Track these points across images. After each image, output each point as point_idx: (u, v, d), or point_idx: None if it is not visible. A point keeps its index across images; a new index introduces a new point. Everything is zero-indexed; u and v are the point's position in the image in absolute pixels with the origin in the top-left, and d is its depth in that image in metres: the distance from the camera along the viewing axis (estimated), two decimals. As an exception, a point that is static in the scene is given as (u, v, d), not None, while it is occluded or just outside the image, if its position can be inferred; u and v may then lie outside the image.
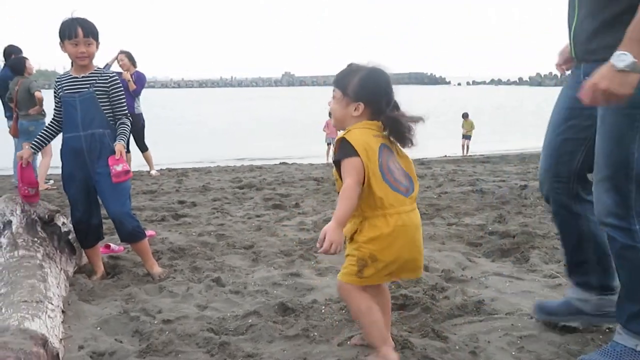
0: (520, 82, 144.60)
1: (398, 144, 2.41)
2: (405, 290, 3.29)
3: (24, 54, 8.26)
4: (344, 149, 2.28)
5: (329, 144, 16.07)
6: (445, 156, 15.29)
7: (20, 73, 7.79)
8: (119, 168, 3.47)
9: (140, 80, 8.64)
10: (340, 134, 2.35)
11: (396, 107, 2.39)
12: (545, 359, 2.48)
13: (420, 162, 12.11)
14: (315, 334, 2.77)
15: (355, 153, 2.25)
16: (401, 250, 2.32)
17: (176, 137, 20.77)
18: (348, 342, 2.68)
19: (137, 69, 8.70)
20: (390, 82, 2.40)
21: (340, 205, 2.22)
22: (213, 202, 6.59)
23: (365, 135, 2.31)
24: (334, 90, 2.42)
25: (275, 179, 8.60)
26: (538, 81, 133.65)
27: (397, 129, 2.34)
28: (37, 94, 7.55)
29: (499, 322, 2.84)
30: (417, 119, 2.37)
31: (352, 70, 2.39)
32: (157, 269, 3.82)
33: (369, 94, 2.35)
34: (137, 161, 9.51)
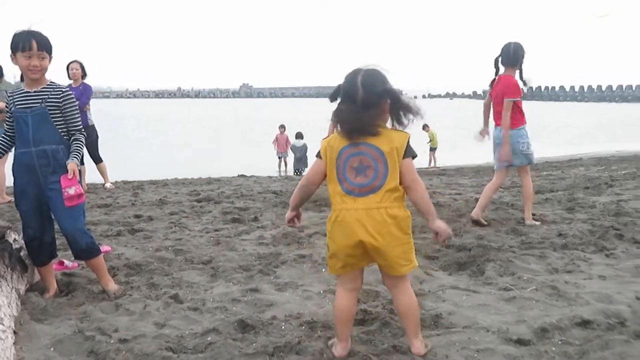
0: (474, 95, 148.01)
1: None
2: (365, 305, 3.32)
3: None
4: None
5: (280, 158, 16.10)
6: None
7: None
8: (71, 192, 3.39)
9: (86, 92, 8.50)
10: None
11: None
12: (501, 371, 2.53)
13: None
14: (275, 351, 2.75)
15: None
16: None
17: (132, 149, 20.42)
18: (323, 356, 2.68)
19: (84, 81, 8.56)
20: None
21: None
22: (170, 216, 6.50)
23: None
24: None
25: (234, 192, 8.55)
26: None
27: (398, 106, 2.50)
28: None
29: (457, 336, 2.90)
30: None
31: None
32: (112, 286, 3.74)
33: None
34: (91, 174, 9.31)
